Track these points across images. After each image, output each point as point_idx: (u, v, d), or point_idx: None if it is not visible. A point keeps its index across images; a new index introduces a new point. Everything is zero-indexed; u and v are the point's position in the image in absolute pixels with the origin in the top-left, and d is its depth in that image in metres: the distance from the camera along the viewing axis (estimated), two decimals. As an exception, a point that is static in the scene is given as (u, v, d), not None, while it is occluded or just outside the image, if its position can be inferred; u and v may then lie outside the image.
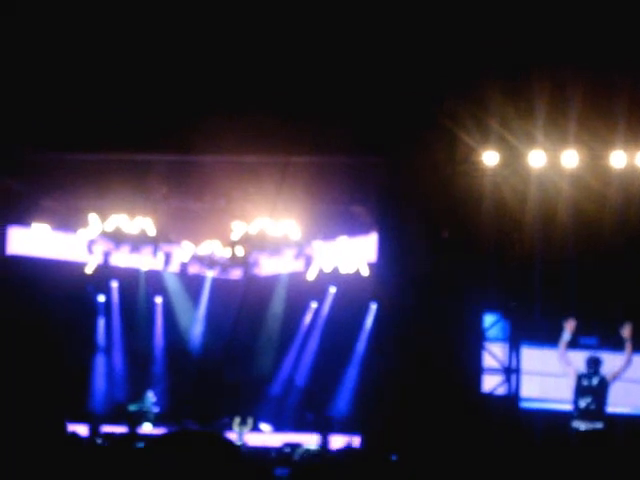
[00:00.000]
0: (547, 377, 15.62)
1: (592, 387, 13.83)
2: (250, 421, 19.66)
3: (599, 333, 15.43)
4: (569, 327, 13.97)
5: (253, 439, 19.28)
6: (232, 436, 18.04)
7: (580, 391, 13.87)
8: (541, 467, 14.31)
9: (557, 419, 14.96)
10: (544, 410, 15.81)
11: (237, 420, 19.49)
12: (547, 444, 14.95)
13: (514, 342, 16.08)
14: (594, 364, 13.91)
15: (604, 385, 13.84)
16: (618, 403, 14.34)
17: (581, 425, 13.83)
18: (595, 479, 13.61)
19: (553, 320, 14.77)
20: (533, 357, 15.99)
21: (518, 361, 16.03)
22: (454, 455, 13.84)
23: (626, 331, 13.71)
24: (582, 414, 13.83)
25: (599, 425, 13.76)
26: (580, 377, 13.90)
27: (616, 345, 14.36)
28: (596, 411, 13.78)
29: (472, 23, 14.34)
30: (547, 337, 15.21)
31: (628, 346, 13.68)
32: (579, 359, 14.08)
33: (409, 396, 15.29)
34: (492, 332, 16.26)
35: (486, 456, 14.25)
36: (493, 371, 16.13)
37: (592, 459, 13.74)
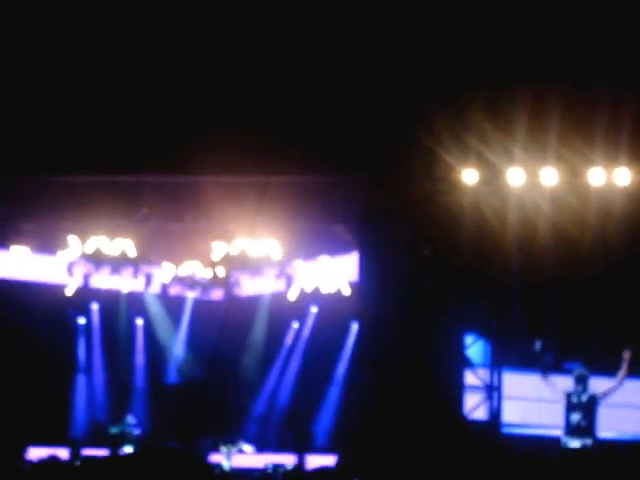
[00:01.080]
0: (528, 402, 15.61)
1: (582, 403, 13.91)
2: (240, 442, 19.53)
3: (582, 357, 15.37)
4: (538, 347, 14.10)
5: (235, 460, 19.17)
6: (218, 457, 17.91)
7: (570, 408, 13.94)
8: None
9: (538, 443, 14.95)
10: (525, 435, 15.77)
11: (222, 443, 19.37)
12: (528, 467, 14.91)
13: (495, 365, 16.08)
14: (582, 380, 13.99)
15: (594, 402, 13.92)
16: (603, 428, 14.34)
17: (571, 441, 13.88)
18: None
19: (533, 343, 14.78)
20: (514, 382, 15.99)
21: (499, 383, 16.00)
22: (433, 475, 13.80)
23: (626, 354, 13.79)
24: (572, 430, 13.89)
25: (589, 441, 13.82)
26: (569, 395, 13.98)
27: (601, 369, 14.41)
28: (586, 427, 13.85)
29: (451, 40, 14.39)
30: (528, 361, 15.25)
31: (624, 367, 13.78)
32: (566, 383, 14.12)
33: (390, 416, 15.25)
34: (474, 356, 16.27)
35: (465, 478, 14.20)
36: (475, 389, 16.12)
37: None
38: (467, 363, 16.16)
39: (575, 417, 13.90)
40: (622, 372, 13.83)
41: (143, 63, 14.98)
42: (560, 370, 14.70)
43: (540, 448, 14.59)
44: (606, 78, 14.59)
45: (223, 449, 19.06)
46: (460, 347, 16.05)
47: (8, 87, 15.27)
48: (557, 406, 14.28)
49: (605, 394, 13.95)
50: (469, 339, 16.22)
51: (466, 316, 15.94)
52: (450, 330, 15.79)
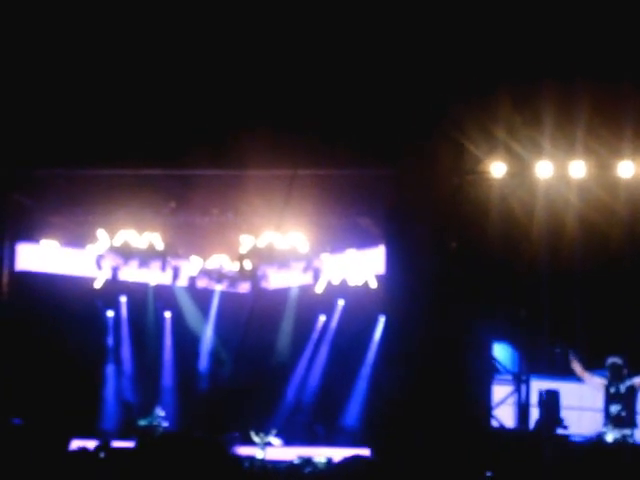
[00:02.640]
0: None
1: (620, 394, 14.02)
2: (272, 431, 19.57)
3: (619, 352, 15.21)
4: (572, 358, 14.38)
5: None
6: (247, 450, 17.92)
7: (609, 399, 14.04)
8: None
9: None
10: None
11: (253, 432, 19.43)
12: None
13: (524, 372, 16.01)
14: (616, 369, 14.11)
15: (633, 392, 14.02)
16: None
17: (611, 432, 13.95)
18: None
19: (562, 347, 14.81)
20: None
21: (528, 390, 15.87)
22: (460, 471, 13.78)
23: None
24: (613, 421, 13.98)
25: (628, 432, 13.90)
26: (607, 386, 14.08)
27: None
28: (627, 418, 13.94)
29: (479, 33, 14.34)
30: (556, 368, 15.34)
31: None
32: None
33: (418, 409, 15.23)
34: (502, 363, 16.23)
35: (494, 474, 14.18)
36: (504, 381, 16.10)
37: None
38: (495, 368, 16.13)
39: (614, 408, 13.99)
40: None
41: (173, 57, 15.03)
42: (600, 367, 14.61)
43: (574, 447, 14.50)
44: (635, 71, 14.50)
45: (256, 439, 19.13)
46: (487, 340, 16.00)
47: (38, 79, 15.36)
48: (586, 414, 14.33)
49: None
50: (497, 346, 16.20)
51: (493, 320, 15.81)
52: (476, 323, 15.73)
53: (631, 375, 14.13)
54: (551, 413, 14.49)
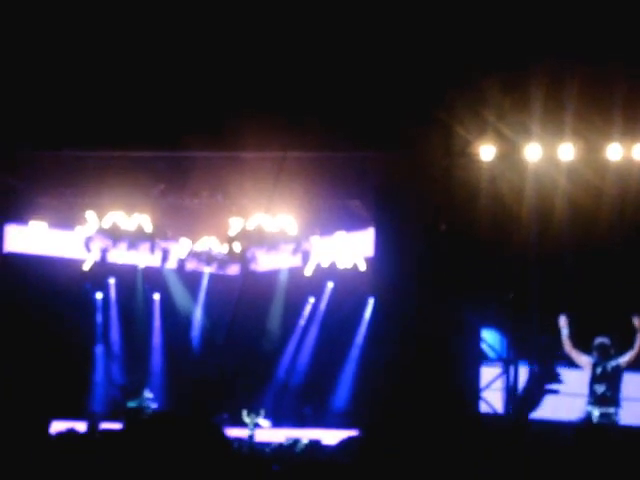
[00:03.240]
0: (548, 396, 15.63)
1: (606, 374, 14.14)
2: (262, 411, 19.61)
3: (607, 332, 15.29)
4: (563, 323, 14.45)
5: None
6: (236, 432, 17.95)
7: (594, 378, 14.16)
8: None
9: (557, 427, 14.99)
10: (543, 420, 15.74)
11: (245, 412, 19.47)
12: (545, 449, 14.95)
13: (512, 358, 16.06)
14: (603, 349, 14.20)
15: (618, 371, 14.14)
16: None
17: (595, 410, 14.08)
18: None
19: (551, 329, 14.88)
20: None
21: (516, 376, 15.93)
22: (450, 452, 13.82)
23: (637, 321, 14.03)
24: (597, 400, 14.11)
25: (612, 410, 14.02)
26: (594, 365, 14.19)
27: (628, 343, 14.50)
28: (611, 397, 14.07)
29: (467, 15, 14.32)
30: (545, 354, 15.47)
31: (639, 336, 14.01)
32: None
33: (407, 391, 15.29)
34: (489, 350, 16.30)
35: (484, 458, 14.22)
36: (492, 362, 16.15)
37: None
38: (483, 353, 16.18)
39: (600, 387, 14.11)
40: (639, 340, 14.02)
41: (164, 38, 14.98)
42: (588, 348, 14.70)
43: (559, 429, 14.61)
44: (624, 53, 14.50)
45: (247, 419, 19.16)
46: (476, 328, 16.04)
47: (24, 60, 15.30)
48: (575, 400, 14.44)
49: (628, 364, 14.16)
50: (485, 332, 16.25)
51: (482, 303, 15.84)
52: (466, 306, 15.77)
53: (617, 355, 14.23)
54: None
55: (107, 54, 15.30)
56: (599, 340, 14.27)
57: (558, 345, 14.83)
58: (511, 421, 15.63)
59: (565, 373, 15.33)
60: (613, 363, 14.17)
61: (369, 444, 3.48)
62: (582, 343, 14.55)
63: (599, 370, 14.17)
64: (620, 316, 14.47)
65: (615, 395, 14.12)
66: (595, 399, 14.16)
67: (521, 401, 15.48)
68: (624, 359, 14.18)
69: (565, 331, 14.49)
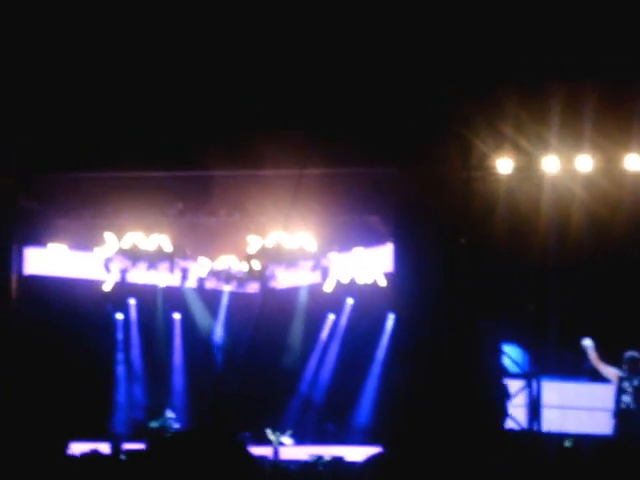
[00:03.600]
0: (567, 410, 15.56)
1: (633, 387, 14.09)
2: (288, 431, 19.63)
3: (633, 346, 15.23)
4: (587, 345, 14.50)
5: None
6: (259, 450, 17.93)
7: (621, 391, 14.15)
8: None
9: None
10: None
11: (270, 431, 19.50)
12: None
13: (534, 373, 15.99)
14: (632, 362, 14.19)
15: None
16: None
17: (621, 424, 14.09)
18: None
19: (570, 347, 14.88)
20: (552, 390, 15.94)
21: (539, 391, 15.85)
22: (475, 469, 13.74)
23: None
24: (621, 414, 14.09)
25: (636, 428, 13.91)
26: (621, 378, 14.21)
27: None
28: (636, 411, 13.97)
29: (485, 29, 14.33)
30: (565, 369, 15.44)
31: None
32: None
33: (429, 407, 15.23)
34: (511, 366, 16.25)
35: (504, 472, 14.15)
36: (514, 377, 16.09)
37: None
38: (505, 369, 16.11)
39: (625, 400, 14.04)
40: None
41: (178, 59, 15.04)
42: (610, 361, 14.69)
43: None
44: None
45: (272, 437, 19.17)
46: (497, 343, 15.95)
47: (42, 82, 15.38)
48: (597, 414, 14.38)
49: None
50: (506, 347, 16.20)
51: (502, 316, 15.77)
52: (488, 325, 15.69)
53: None
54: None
55: (124, 75, 15.37)
56: (629, 354, 14.23)
57: (580, 360, 14.83)
58: (537, 436, 15.55)
59: (590, 388, 15.25)
60: None
61: (393, 461, 3.47)
62: (606, 356, 14.51)
63: (626, 383, 14.13)
64: None
65: None
66: (620, 412, 14.15)
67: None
68: None
69: (590, 344, 14.44)
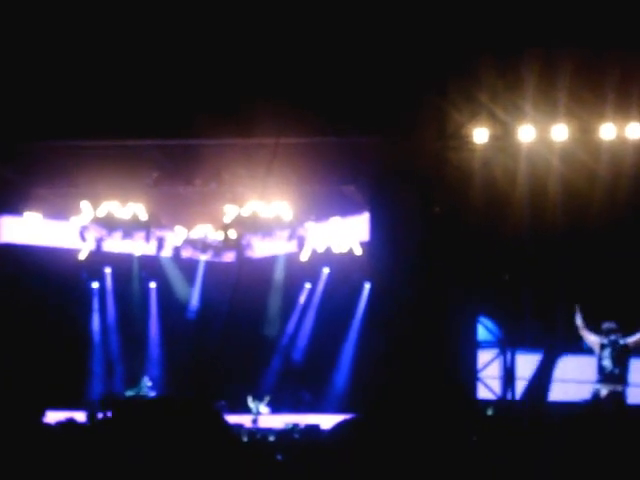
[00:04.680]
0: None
1: (614, 353, 14.51)
2: (266, 397, 19.76)
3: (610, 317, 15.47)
4: (577, 310, 14.82)
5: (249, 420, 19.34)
6: (234, 418, 18.01)
7: (602, 357, 14.56)
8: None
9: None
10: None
11: (250, 398, 19.63)
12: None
13: (508, 345, 16.15)
14: (610, 332, 14.59)
15: (626, 351, 14.56)
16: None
17: (603, 388, 14.49)
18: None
19: (544, 319, 15.10)
20: (527, 363, 16.08)
21: (513, 364, 16.02)
22: (448, 436, 13.84)
23: None
24: (606, 378, 14.52)
25: (620, 388, 14.45)
26: (603, 346, 14.59)
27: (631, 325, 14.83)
28: (619, 375, 14.47)
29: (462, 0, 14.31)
30: (539, 341, 15.66)
31: None
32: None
33: (404, 374, 15.31)
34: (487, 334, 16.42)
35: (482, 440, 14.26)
36: (488, 345, 16.20)
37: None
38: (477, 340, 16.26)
39: (608, 365, 14.50)
40: None
41: (155, 28, 14.94)
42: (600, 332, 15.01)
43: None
44: (616, 34, 14.48)
45: (251, 405, 19.28)
46: (472, 306, 16.05)
47: (18, 51, 15.25)
48: (569, 386, 14.67)
49: (636, 344, 14.57)
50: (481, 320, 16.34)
51: (478, 286, 15.85)
52: (460, 289, 15.76)
53: (625, 336, 14.60)
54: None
55: (98, 45, 15.26)
56: (606, 325, 14.66)
57: (557, 331, 15.14)
58: (517, 406, 15.71)
59: (575, 360, 15.51)
60: (621, 342, 14.51)
61: (365, 427, 3.49)
62: (589, 325, 14.82)
63: (607, 350, 14.53)
64: (623, 299, 14.73)
65: (623, 373, 14.51)
66: (604, 377, 14.53)
67: (534, 388, 15.62)
68: (632, 339, 14.53)
69: (579, 316, 14.80)
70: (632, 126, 15.26)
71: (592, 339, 14.74)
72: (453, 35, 14.70)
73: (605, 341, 14.56)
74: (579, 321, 14.80)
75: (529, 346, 16.17)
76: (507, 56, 14.98)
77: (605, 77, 14.79)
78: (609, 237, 15.32)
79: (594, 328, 14.74)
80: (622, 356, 14.51)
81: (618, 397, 14.38)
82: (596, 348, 14.69)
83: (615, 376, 14.47)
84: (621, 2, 14.14)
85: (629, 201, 15.26)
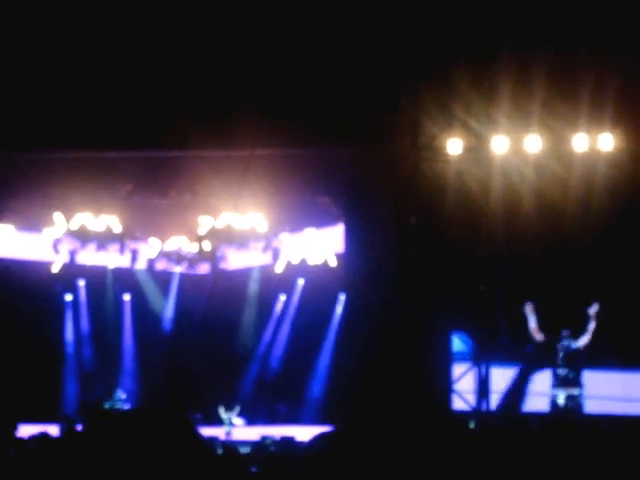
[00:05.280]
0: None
1: (567, 357, 14.97)
2: (237, 407, 19.73)
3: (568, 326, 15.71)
4: (529, 310, 15.19)
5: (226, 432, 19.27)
6: (210, 431, 17.95)
7: (557, 363, 15.02)
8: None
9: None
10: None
11: (222, 409, 19.59)
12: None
13: (481, 360, 16.22)
14: (562, 337, 15.08)
15: (578, 355, 15.03)
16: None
17: (560, 393, 14.92)
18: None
19: (518, 332, 15.37)
20: (501, 377, 16.15)
21: (487, 377, 16.10)
22: (422, 447, 13.84)
23: (592, 310, 14.96)
24: (561, 382, 14.96)
25: (576, 391, 14.88)
26: (555, 350, 15.07)
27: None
28: (573, 379, 14.93)
29: (435, 9, 14.35)
30: (513, 356, 15.89)
31: (593, 322, 14.97)
32: None
33: (378, 386, 15.30)
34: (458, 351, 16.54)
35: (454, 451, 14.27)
36: (461, 358, 16.23)
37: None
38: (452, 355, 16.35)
39: (562, 370, 14.99)
40: (592, 326, 14.96)
41: (134, 37, 14.90)
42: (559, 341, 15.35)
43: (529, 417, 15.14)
44: (589, 45, 14.58)
45: (223, 416, 19.24)
46: (445, 317, 16.06)
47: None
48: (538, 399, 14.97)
49: (584, 346, 15.05)
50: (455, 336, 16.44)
51: (452, 297, 15.89)
52: (435, 301, 15.76)
53: (575, 339, 15.07)
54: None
55: (70, 58, 15.20)
56: (564, 333, 15.10)
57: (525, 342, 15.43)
58: (488, 417, 15.77)
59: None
60: (573, 346, 14.98)
61: (339, 440, 3.48)
62: (545, 329, 15.21)
63: (561, 355, 14.98)
64: (580, 305, 15.00)
65: (577, 377, 14.94)
66: (559, 381, 14.94)
67: (508, 401, 15.76)
68: (582, 342, 15.00)
69: (532, 318, 15.14)
70: (604, 137, 15.34)
71: (542, 341, 15.16)
72: (425, 44, 14.74)
73: (557, 346, 15.02)
74: (532, 323, 15.14)
75: (502, 360, 16.28)
76: (481, 66, 15.03)
77: (578, 88, 14.87)
78: (582, 247, 15.41)
79: (549, 332, 15.11)
80: (575, 360, 14.98)
81: (576, 402, 14.82)
82: (545, 350, 15.18)
83: (569, 380, 14.91)
84: (594, 12, 14.22)
85: (602, 212, 15.34)
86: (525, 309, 15.20)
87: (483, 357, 16.10)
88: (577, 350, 15.04)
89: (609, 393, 15.32)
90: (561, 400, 14.88)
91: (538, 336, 15.18)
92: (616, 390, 15.46)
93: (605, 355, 15.52)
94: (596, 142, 15.39)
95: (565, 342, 15.02)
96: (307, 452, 3.55)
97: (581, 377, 14.97)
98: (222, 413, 19.52)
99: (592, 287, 15.28)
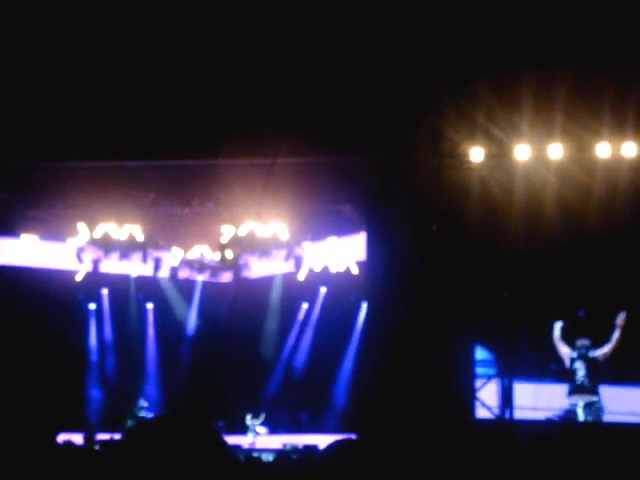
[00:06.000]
0: (539, 411, 15.81)
1: (585, 365, 15.06)
2: (262, 415, 19.78)
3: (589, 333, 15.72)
4: (557, 326, 15.36)
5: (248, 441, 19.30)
6: (232, 440, 17.99)
7: (574, 370, 15.10)
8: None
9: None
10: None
11: (249, 416, 19.65)
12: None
13: (504, 374, 16.20)
14: (583, 348, 15.21)
15: (596, 364, 15.08)
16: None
17: (578, 399, 14.96)
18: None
19: (541, 347, 15.43)
20: (524, 392, 16.13)
21: (511, 393, 16.07)
22: (443, 455, 13.85)
23: (620, 320, 15.00)
24: (577, 389, 15.01)
25: (594, 398, 14.92)
26: (572, 359, 15.16)
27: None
28: (590, 386, 14.98)
29: (457, 17, 14.35)
30: (536, 370, 15.96)
31: (618, 331, 15.00)
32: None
33: (402, 394, 15.28)
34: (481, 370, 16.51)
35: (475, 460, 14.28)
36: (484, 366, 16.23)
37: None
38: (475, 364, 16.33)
39: (579, 378, 15.03)
40: (617, 335, 14.99)
41: (153, 47, 14.98)
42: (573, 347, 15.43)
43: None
44: (612, 53, 14.55)
45: (248, 422, 19.28)
46: (470, 326, 16.04)
47: (16, 71, 15.28)
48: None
49: (605, 357, 15.12)
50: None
51: (474, 292, 15.89)
52: (458, 309, 15.74)
53: (595, 348, 15.14)
54: None
55: (94, 67, 15.29)
56: (581, 341, 15.19)
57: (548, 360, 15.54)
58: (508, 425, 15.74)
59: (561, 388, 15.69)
60: (591, 355, 15.07)
61: (363, 447, 3.49)
62: (567, 336, 15.35)
63: (578, 362, 15.08)
64: (606, 313, 15.00)
65: (594, 385, 14.99)
66: (575, 388, 15.02)
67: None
68: (602, 351, 15.06)
69: (558, 326, 15.33)
70: (627, 145, 15.31)
71: (565, 351, 15.27)
72: (449, 53, 14.75)
73: (575, 354, 15.09)
74: (557, 332, 15.25)
75: (525, 375, 16.35)
76: (503, 75, 15.02)
77: (601, 96, 14.84)
78: (605, 254, 15.38)
79: (570, 342, 15.14)
80: (592, 368, 15.01)
81: (595, 410, 14.81)
82: (566, 360, 15.22)
83: (586, 387, 14.96)
84: (616, 24, 14.19)
85: (624, 218, 15.30)
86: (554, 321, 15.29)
87: (506, 372, 16.10)
88: (595, 359, 15.07)
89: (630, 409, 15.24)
90: (580, 409, 14.89)
91: (561, 346, 15.18)
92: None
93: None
94: (619, 149, 15.35)
95: (583, 350, 15.06)
96: (326, 460, 3.57)
97: (598, 385, 15.00)
98: (248, 420, 19.55)
99: (617, 295, 15.28)
